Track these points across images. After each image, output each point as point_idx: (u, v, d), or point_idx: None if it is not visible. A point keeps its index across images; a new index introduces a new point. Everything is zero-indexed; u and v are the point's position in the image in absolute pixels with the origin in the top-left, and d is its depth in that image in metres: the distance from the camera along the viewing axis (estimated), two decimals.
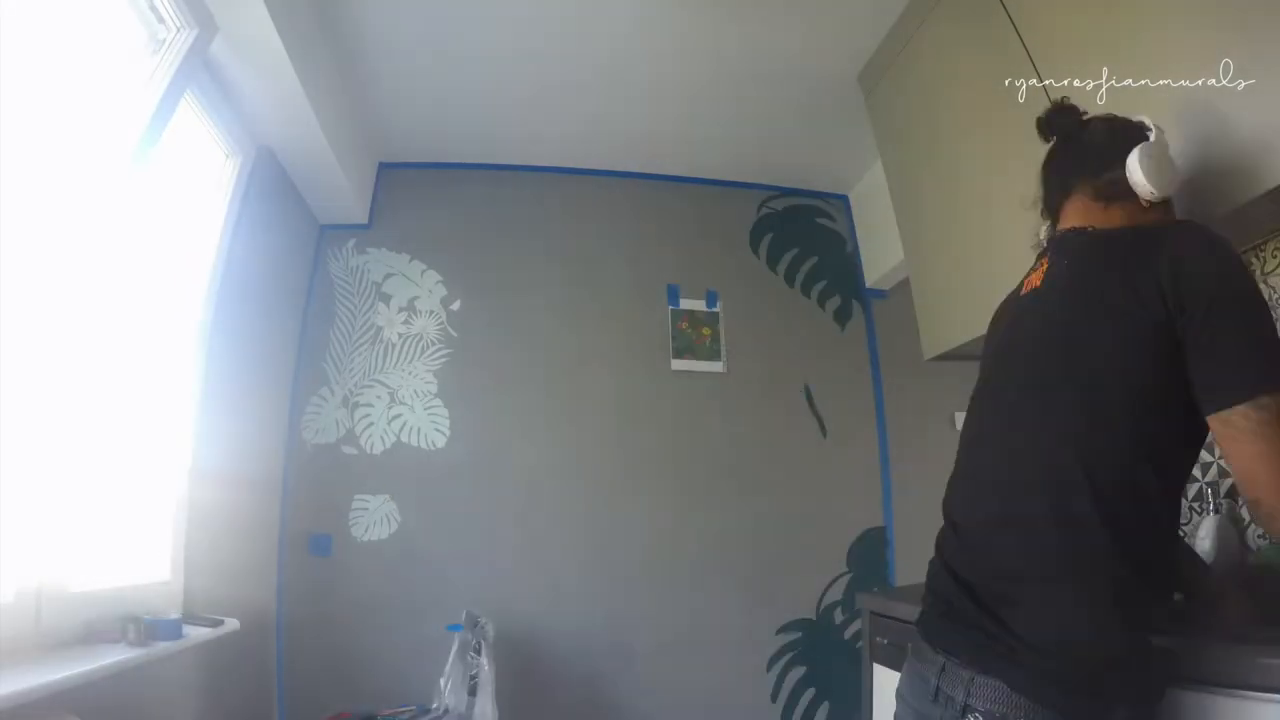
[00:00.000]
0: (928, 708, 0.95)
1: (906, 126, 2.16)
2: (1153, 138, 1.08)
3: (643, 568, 2.60)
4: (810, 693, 2.61)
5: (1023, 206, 1.25)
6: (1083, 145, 1.13)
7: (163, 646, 1.35)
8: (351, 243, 2.71)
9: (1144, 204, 1.06)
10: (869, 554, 2.73)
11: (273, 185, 2.25)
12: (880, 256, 2.88)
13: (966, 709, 0.88)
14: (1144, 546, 0.87)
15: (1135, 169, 1.04)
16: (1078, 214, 1.10)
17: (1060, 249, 1.08)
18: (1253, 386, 0.83)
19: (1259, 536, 1.48)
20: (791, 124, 2.64)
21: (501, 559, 2.51)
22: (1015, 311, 1.14)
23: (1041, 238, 1.22)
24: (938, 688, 0.93)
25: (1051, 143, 1.18)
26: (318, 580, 2.40)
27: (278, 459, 2.42)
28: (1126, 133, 1.10)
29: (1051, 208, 1.17)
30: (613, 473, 2.65)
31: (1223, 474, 1.57)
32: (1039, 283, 1.09)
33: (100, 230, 1.44)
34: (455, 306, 2.71)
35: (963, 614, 0.94)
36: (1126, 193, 1.06)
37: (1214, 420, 0.86)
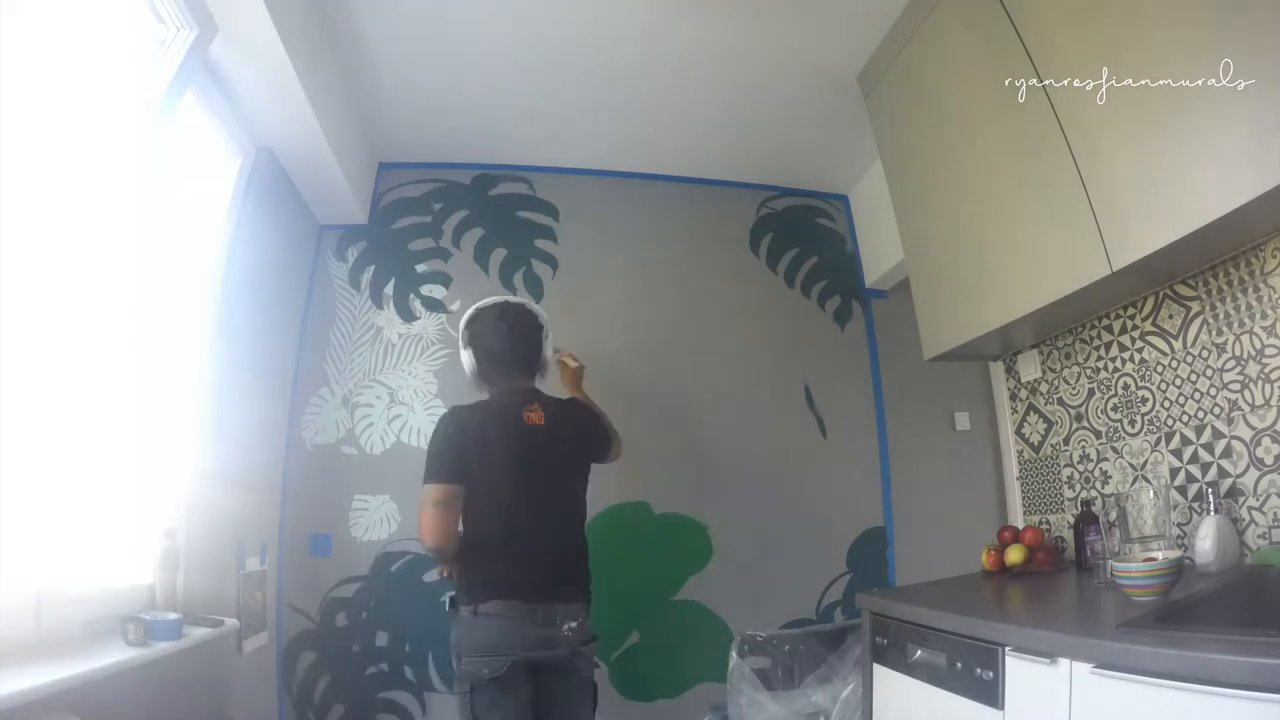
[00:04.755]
0: None
1: (906, 126, 2.16)
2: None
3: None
4: None
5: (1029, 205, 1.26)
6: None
7: (163, 646, 1.34)
8: (351, 243, 2.71)
9: None
10: (869, 554, 2.73)
11: (273, 185, 2.25)
12: (880, 256, 2.88)
13: None
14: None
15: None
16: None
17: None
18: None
19: (1259, 536, 1.48)
20: (791, 124, 2.64)
21: None
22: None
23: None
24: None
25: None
26: (318, 580, 2.40)
27: (278, 459, 2.42)
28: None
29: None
30: (611, 471, 2.64)
31: (1222, 474, 1.58)
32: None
33: (101, 231, 1.45)
34: (455, 306, 2.71)
35: None
36: None
37: None
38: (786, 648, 2.12)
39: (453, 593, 1.76)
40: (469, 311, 1.96)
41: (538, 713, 1.75)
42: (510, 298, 2.01)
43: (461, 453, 1.73)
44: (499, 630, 1.65)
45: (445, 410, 1.87)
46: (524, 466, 1.76)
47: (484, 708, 1.64)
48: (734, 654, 2.09)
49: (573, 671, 1.77)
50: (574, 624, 1.73)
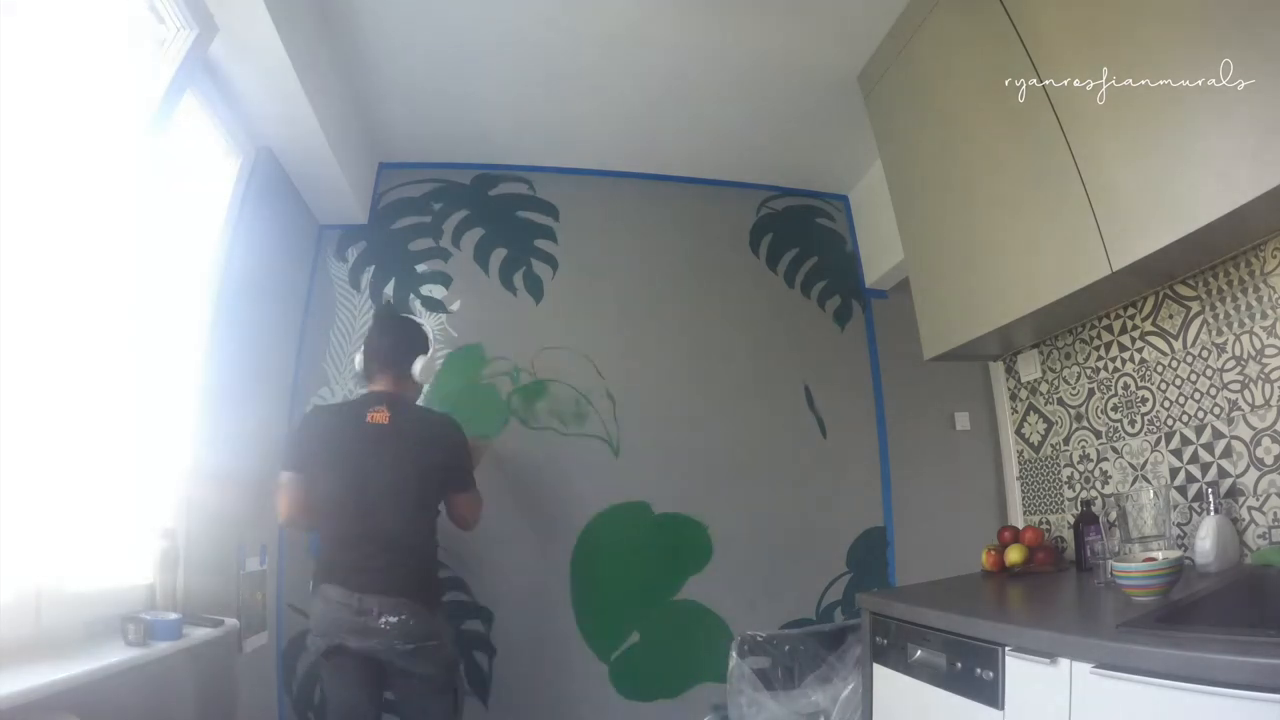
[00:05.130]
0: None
1: (906, 126, 2.16)
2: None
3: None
4: None
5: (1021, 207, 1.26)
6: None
7: (163, 646, 1.34)
8: (351, 243, 2.71)
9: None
10: (869, 554, 2.73)
11: (273, 185, 2.25)
12: (880, 256, 2.88)
13: None
14: None
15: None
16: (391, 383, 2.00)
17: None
18: None
19: (1259, 536, 1.48)
20: (791, 124, 2.64)
21: (501, 558, 2.50)
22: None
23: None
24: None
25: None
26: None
27: (278, 459, 2.41)
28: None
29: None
30: (611, 471, 2.65)
31: (1222, 474, 1.58)
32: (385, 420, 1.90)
33: (100, 231, 1.45)
34: (455, 307, 2.71)
35: None
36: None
37: None
38: (786, 648, 2.12)
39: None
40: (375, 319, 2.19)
41: (399, 708, 1.91)
42: (402, 315, 2.24)
43: (304, 443, 1.92)
44: (326, 612, 1.79)
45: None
46: (358, 460, 1.86)
47: (327, 680, 1.85)
48: (734, 654, 2.09)
49: (409, 672, 1.81)
50: (393, 619, 1.76)
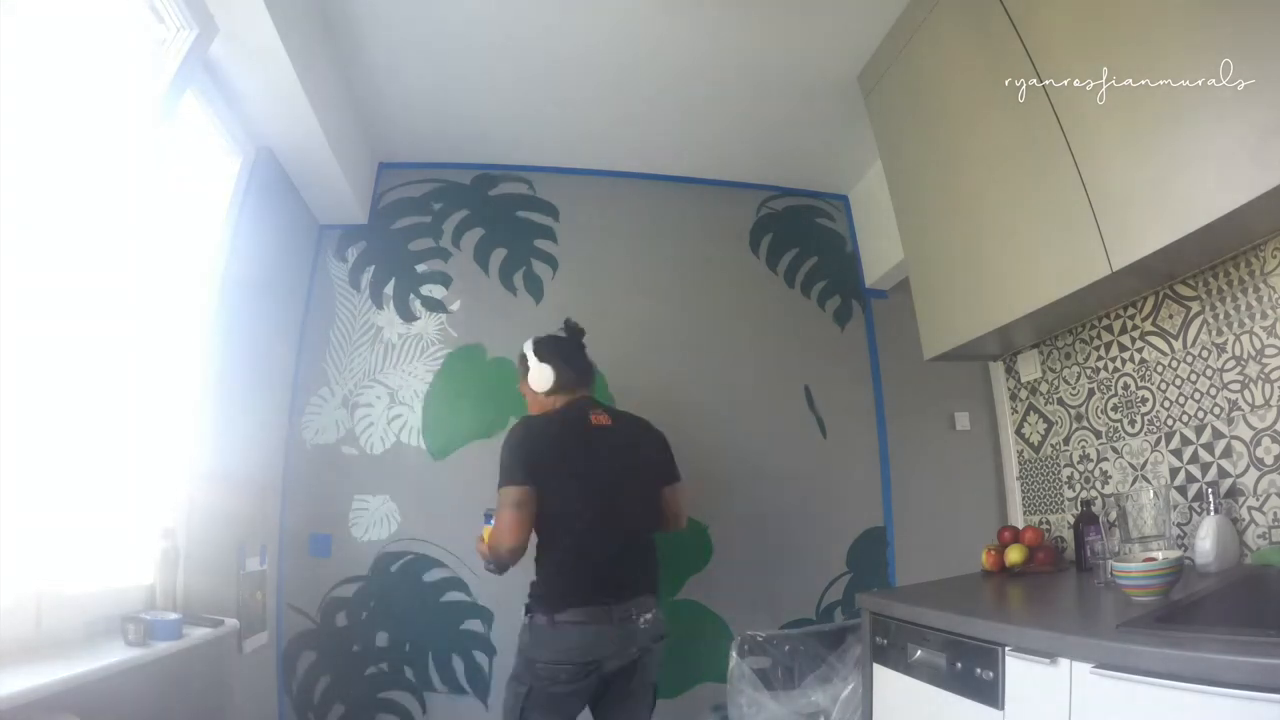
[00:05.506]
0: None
1: (906, 126, 2.16)
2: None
3: None
4: None
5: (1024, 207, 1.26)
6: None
7: (163, 646, 1.34)
8: (351, 243, 2.71)
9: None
10: (869, 554, 2.73)
11: (273, 185, 2.25)
12: (880, 256, 2.88)
13: None
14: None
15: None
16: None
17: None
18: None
19: (1259, 536, 1.48)
20: (791, 124, 2.64)
21: None
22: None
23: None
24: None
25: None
26: (318, 580, 2.40)
27: (278, 459, 2.42)
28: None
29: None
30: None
31: (1222, 474, 1.58)
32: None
33: (101, 231, 1.45)
34: (455, 307, 2.71)
35: None
36: None
37: None
38: (786, 648, 2.12)
39: (528, 600, 1.75)
40: (536, 338, 2.00)
41: (595, 711, 1.81)
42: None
43: (530, 458, 1.73)
44: (580, 639, 1.66)
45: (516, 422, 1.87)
46: (593, 464, 1.78)
47: (537, 708, 1.67)
48: (734, 654, 2.09)
49: (637, 670, 1.78)
50: (648, 616, 1.77)
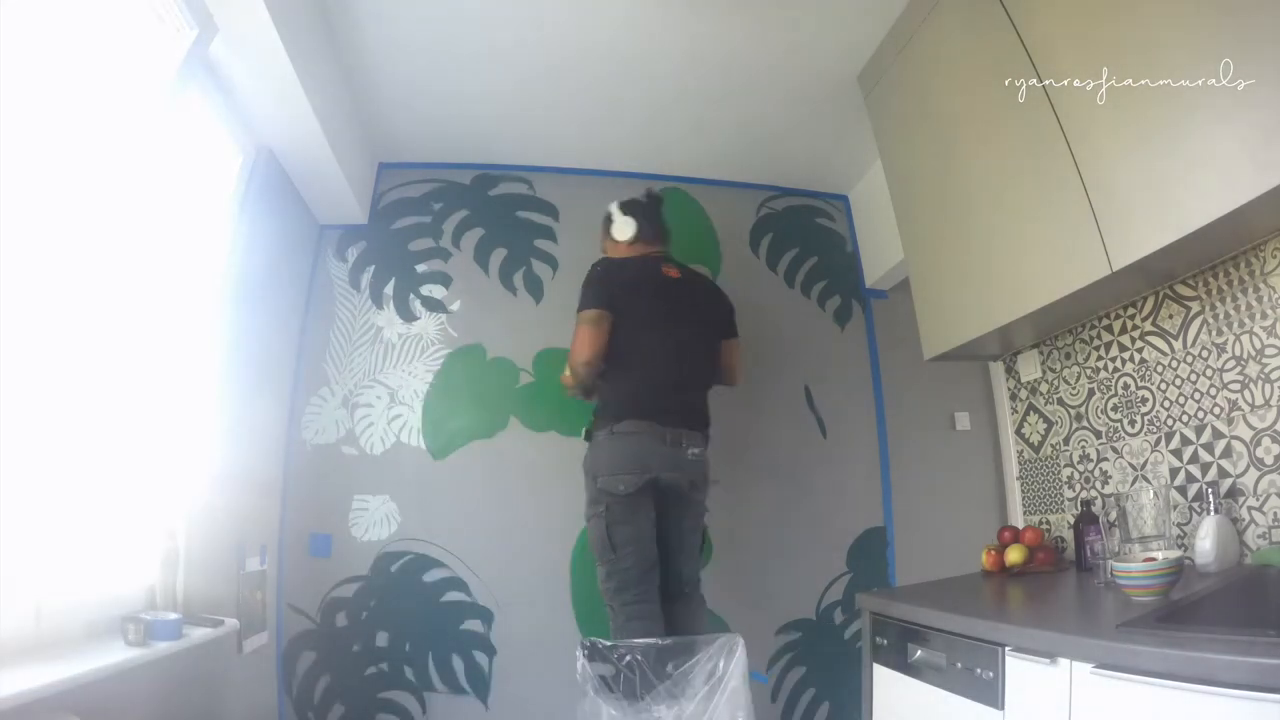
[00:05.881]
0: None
1: (906, 127, 2.16)
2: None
3: None
4: (810, 693, 2.61)
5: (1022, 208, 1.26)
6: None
7: (163, 646, 1.35)
8: (351, 243, 2.71)
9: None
10: (869, 554, 2.73)
11: (273, 185, 2.25)
12: (880, 256, 2.88)
13: None
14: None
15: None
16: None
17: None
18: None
19: (1259, 536, 1.48)
20: (791, 124, 2.64)
21: (502, 558, 2.50)
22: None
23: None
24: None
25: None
26: (318, 580, 2.40)
27: (278, 459, 2.42)
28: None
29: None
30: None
31: (1222, 474, 1.58)
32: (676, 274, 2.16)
33: (101, 231, 1.45)
34: (455, 307, 2.71)
35: None
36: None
37: None
38: (627, 658, 2.10)
39: (589, 422, 2.05)
40: (621, 200, 2.28)
41: (658, 538, 2.00)
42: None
43: (609, 287, 2.03)
44: (634, 447, 1.92)
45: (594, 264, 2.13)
46: (662, 305, 2.06)
47: (617, 522, 1.91)
48: (580, 657, 2.07)
49: (690, 504, 2.02)
50: (696, 450, 2.00)
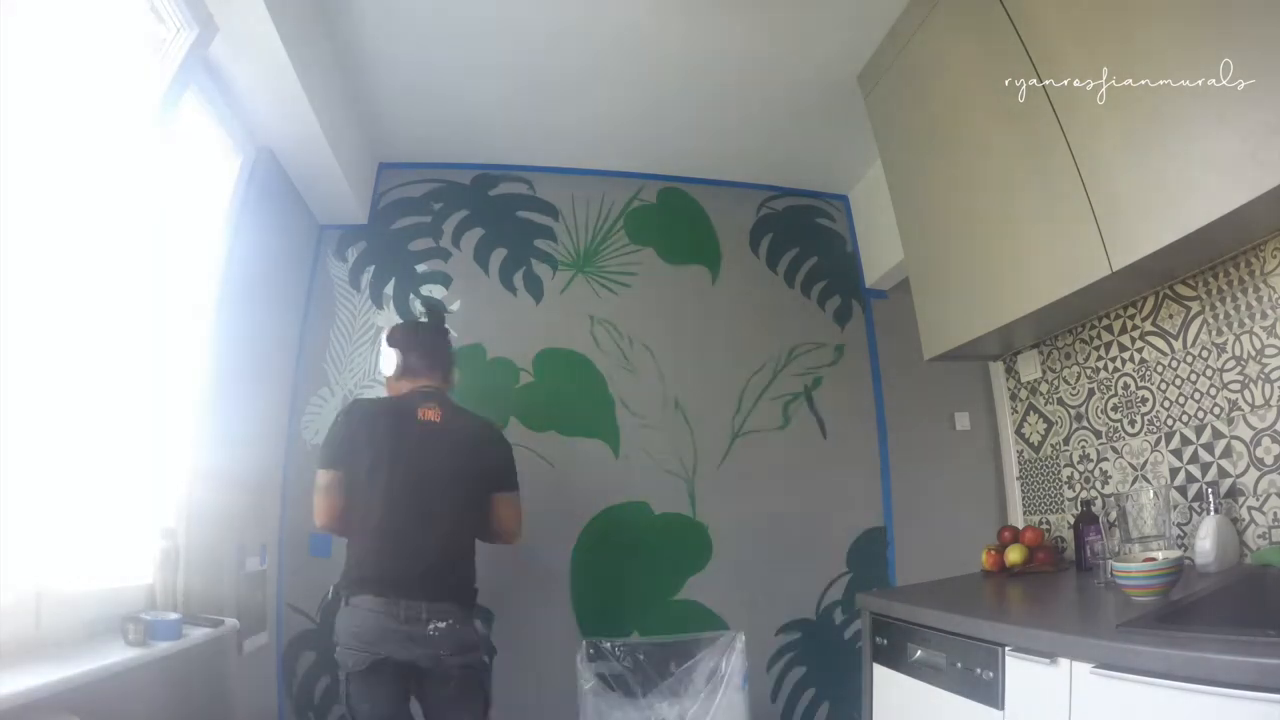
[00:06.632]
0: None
1: (906, 127, 2.16)
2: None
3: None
4: (810, 693, 2.61)
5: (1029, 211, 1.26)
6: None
7: (163, 646, 1.34)
8: (351, 243, 2.71)
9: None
10: (869, 554, 2.73)
11: (273, 185, 2.25)
12: (880, 256, 2.88)
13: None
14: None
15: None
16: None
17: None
18: None
19: (1259, 536, 1.48)
20: (791, 124, 2.64)
21: (502, 558, 2.50)
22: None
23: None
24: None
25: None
26: (318, 580, 2.39)
27: (278, 459, 2.42)
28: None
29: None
30: (612, 471, 2.65)
31: (1222, 474, 1.58)
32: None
33: (101, 232, 1.45)
34: (455, 307, 2.71)
35: None
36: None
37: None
38: (630, 657, 2.11)
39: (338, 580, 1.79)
40: (396, 323, 2.14)
41: (425, 715, 1.79)
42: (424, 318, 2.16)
43: (346, 441, 1.78)
44: (359, 625, 1.68)
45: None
46: (410, 459, 1.77)
47: (355, 697, 1.68)
48: (580, 660, 2.08)
49: (448, 679, 1.73)
50: (441, 624, 1.70)
